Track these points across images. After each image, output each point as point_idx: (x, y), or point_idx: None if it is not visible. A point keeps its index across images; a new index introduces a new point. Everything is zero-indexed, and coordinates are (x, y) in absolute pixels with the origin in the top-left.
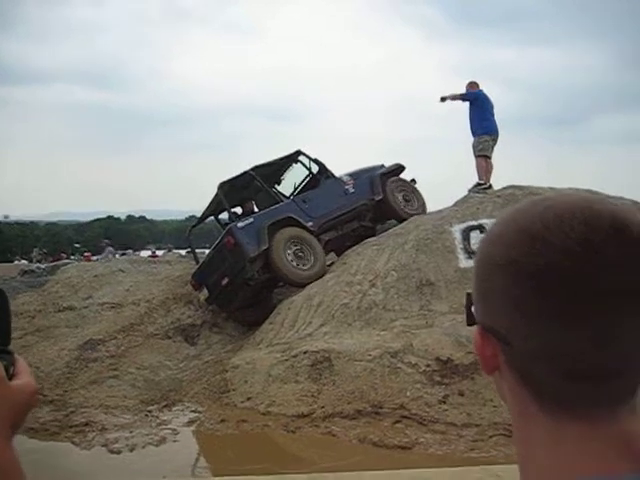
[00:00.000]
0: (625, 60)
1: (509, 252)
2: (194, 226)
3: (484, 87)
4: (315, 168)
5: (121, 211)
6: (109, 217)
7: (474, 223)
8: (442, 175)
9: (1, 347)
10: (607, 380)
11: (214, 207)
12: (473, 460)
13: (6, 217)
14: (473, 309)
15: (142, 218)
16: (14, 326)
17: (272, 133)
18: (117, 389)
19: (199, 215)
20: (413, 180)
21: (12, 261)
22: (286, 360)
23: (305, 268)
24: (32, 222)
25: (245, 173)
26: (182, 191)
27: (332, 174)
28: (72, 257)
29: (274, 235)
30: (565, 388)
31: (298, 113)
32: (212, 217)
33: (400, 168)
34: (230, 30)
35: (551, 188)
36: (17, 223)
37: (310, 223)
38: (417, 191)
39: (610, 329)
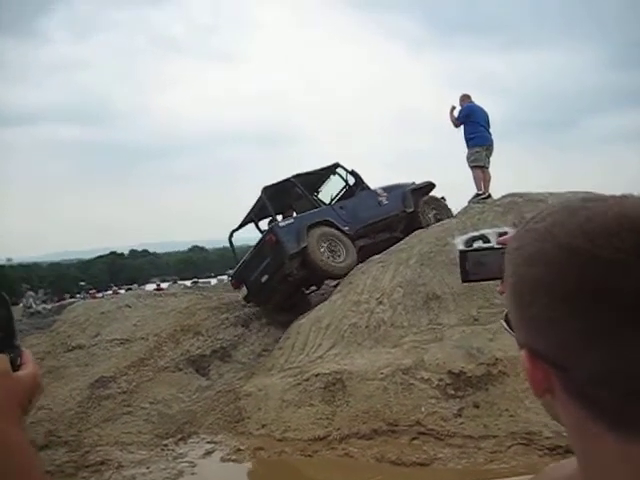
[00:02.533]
0: (612, 60)
1: (554, 273)
2: (236, 229)
3: (475, 95)
4: (351, 180)
5: (123, 246)
6: (112, 253)
7: (476, 234)
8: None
9: (8, 341)
10: None
11: (256, 212)
12: (494, 472)
13: (9, 260)
14: (513, 332)
15: (145, 252)
16: None
17: (266, 158)
18: (131, 425)
19: (201, 245)
20: (443, 198)
21: (17, 304)
22: (298, 384)
23: (338, 261)
24: (35, 263)
25: (287, 180)
26: (182, 222)
27: (367, 186)
28: (78, 295)
29: (310, 233)
30: (629, 409)
31: (291, 136)
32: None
33: (430, 185)
34: (215, 58)
35: (550, 193)
36: (21, 265)
37: (346, 228)
38: (447, 208)
39: None
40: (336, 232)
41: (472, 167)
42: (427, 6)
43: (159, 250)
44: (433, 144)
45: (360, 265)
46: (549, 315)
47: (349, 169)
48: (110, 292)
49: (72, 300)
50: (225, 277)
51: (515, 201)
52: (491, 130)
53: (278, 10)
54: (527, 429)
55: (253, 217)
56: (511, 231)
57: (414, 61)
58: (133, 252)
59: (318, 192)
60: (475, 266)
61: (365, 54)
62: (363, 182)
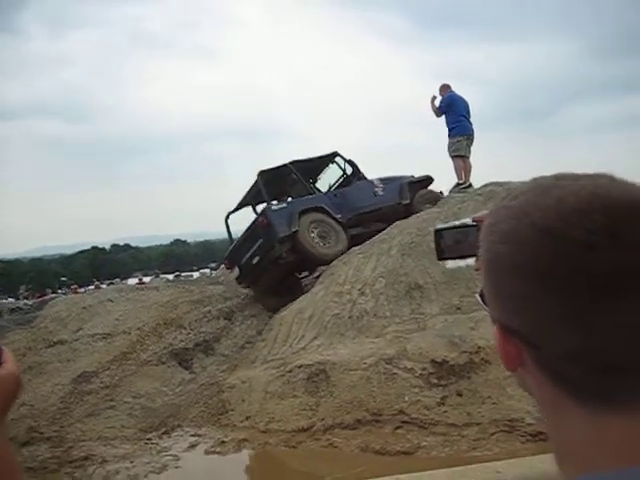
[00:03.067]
0: (591, 51)
1: (528, 252)
2: (232, 212)
3: (459, 87)
4: (349, 170)
5: (105, 241)
6: (94, 248)
7: (457, 222)
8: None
9: None
10: None
11: (252, 196)
12: (476, 459)
13: None
14: (487, 307)
15: (127, 246)
16: None
17: (249, 153)
18: (114, 420)
19: (183, 238)
20: (441, 192)
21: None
22: (282, 376)
23: (328, 247)
24: (17, 259)
25: (284, 166)
26: (164, 215)
27: (364, 176)
28: (59, 291)
29: (302, 218)
30: (602, 383)
31: (275, 131)
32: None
33: (429, 179)
34: (198, 54)
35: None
36: (1, 261)
37: (339, 215)
38: None
39: None
40: (328, 219)
41: (453, 157)
42: (409, 1)
43: (141, 244)
44: (418, 136)
45: (342, 256)
46: (523, 293)
47: (347, 158)
48: (92, 287)
49: (54, 295)
50: (207, 270)
51: (495, 190)
52: (472, 120)
53: (259, 6)
54: (509, 416)
55: (250, 200)
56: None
57: (398, 55)
58: (115, 246)
59: (316, 180)
60: (451, 244)
61: (348, 49)
62: (360, 172)
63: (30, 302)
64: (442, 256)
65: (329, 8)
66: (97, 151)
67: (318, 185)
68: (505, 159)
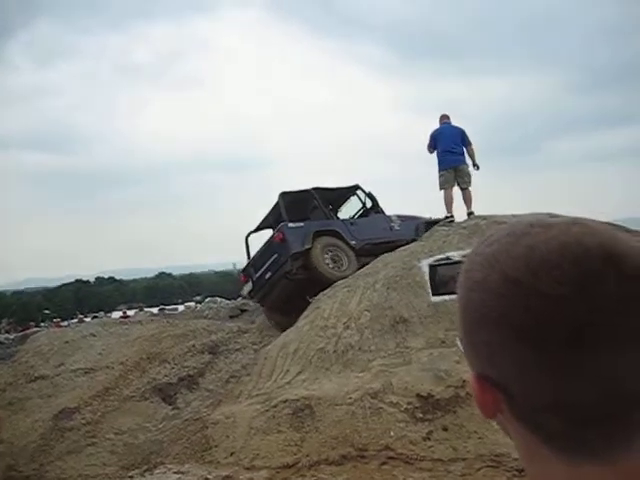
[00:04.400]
0: (574, 85)
1: (497, 304)
2: (253, 232)
3: (437, 118)
4: (369, 203)
5: (90, 273)
6: (77, 281)
7: (441, 256)
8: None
9: None
10: (619, 422)
11: (273, 218)
12: None
13: None
14: (464, 354)
15: (111, 279)
16: None
17: (231, 184)
18: (96, 457)
19: (168, 271)
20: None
21: None
22: (267, 411)
23: (338, 270)
24: None
25: (306, 190)
26: (148, 248)
27: (382, 210)
28: (42, 324)
29: (317, 239)
30: (577, 434)
31: (257, 162)
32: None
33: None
34: (179, 84)
35: (514, 216)
36: None
37: (353, 242)
38: None
39: (617, 374)
40: (341, 244)
41: (441, 190)
42: (391, 33)
43: (125, 277)
44: (400, 169)
45: (326, 290)
46: (495, 343)
47: (367, 191)
48: (76, 320)
49: (36, 329)
50: (192, 303)
51: (479, 224)
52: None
53: (243, 36)
54: (495, 451)
55: (271, 222)
56: None
57: (380, 86)
58: (99, 279)
59: (337, 211)
60: (444, 280)
61: (331, 80)
62: (379, 205)
63: (12, 336)
64: (437, 292)
65: (312, 38)
66: (81, 182)
67: (339, 215)
68: (490, 192)
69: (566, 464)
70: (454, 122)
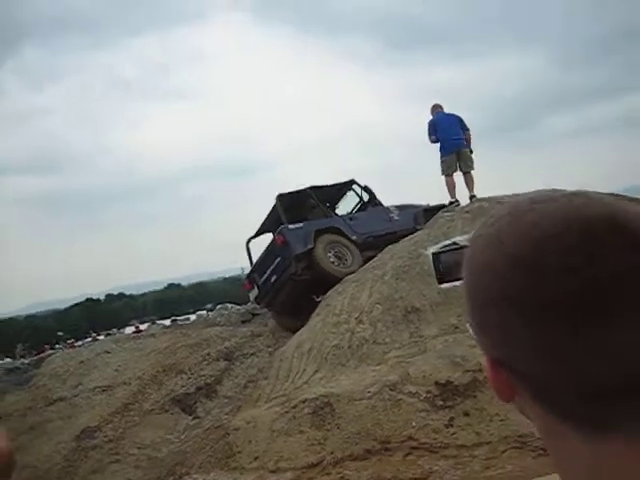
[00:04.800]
0: (560, 60)
1: (504, 285)
2: (252, 237)
3: (425, 106)
4: (365, 197)
5: (99, 291)
6: (88, 299)
7: (447, 242)
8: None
9: None
10: (636, 395)
11: (272, 221)
12: (491, 479)
13: None
14: (475, 339)
15: (121, 294)
16: (5, 427)
17: (231, 190)
18: (121, 474)
19: (177, 282)
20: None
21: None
22: (287, 412)
23: (343, 266)
24: (11, 318)
25: (302, 190)
26: (155, 261)
27: (380, 202)
28: (57, 346)
29: (318, 238)
30: (592, 409)
31: (254, 166)
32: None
33: (443, 207)
34: (171, 96)
35: (516, 195)
36: None
37: (354, 237)
38: None
39: (630, 346)
40: (343, 240)
41: (444, 175)
42: (377, 26)
43: (135, 291)
44: (396, 159)
45: (336, 286)
46: (503, 324)
47: (363, 185)
48: (89, 339)
49: (51, 352)
50: (204, 312)
51: (482, 206)
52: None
53: (228, 43)
54: (519, 432)
55: (270, 226)
56: None
57: (367, 78)
58: (109, 296)
59: (334, 207)
60: (449, 267)
61: (322, 77)
62: (376, 198)
63: (27, 360)
64: (442, 280)
65: (298, 37)
66: (80, 201)
67: (337, 212)
68: (490, 173)
69: (584, 441)
70: (450, 106)
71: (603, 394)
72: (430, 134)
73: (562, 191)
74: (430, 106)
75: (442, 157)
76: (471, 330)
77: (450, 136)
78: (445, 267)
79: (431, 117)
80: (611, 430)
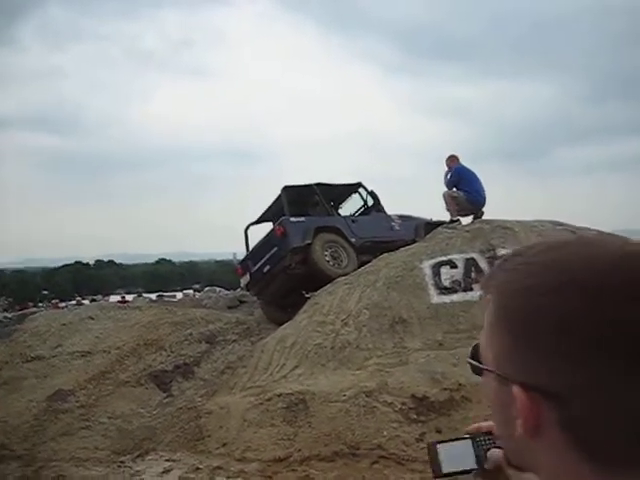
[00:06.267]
0: (579, 93)
1: (560, 306)
2: (252, 224)
3: (449, 124)
4: (370, 201)
5: (90, 256)
6: (77, 262)
7: (444, 259)
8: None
9: None
10: None
11: (275, 211)
12: None
13: None
14: (493, 362)
15: (111, 262)
16: None
17: (234, 174)
18: (89, 440)
19: (168, 258)
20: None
21: None
22: (260, 404)
23: (337, 267)
24: None
25: (308, 186)
26: (151, 234)
27: (383, 209)
28: (40, 304)
29: (318, 235)
30: (625, 449)
31: (261, 154)
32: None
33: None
34: (188, 72)
35: (518, 221)
36: None
37: (353, 239)
38: None
39: None
40: (342, 240)
41: (448, 193)
42: (402, 32)
43: (125, 261)
44: (402, 169)
45: (327, 286)
46: (555, 349)
47: (369, 190)
48: (74, 302)
49: (34, 309)
50: (191, 291)
51: (482, 228)
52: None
53: (250, 28)
54: None
55: (271, 216)
56: (478, 257)
57: (388, 85)
58: (99, 262)
59: (338, 207)
60: (447, 458)
61: (340, 75)
62: (380, 204)
63: (10, 315)
64: (440, 473)
65: (322, 32)
66: (85, 165)
67: (340, 212)
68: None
69: None
70: (464, 123)
71: None
72: (451, 182)
73: (567, 225)
74: (446, 156)
75: (469, 203)
76: (473, 362)
77: (479, 192)
78: (443, 459)
79: (446, 168)
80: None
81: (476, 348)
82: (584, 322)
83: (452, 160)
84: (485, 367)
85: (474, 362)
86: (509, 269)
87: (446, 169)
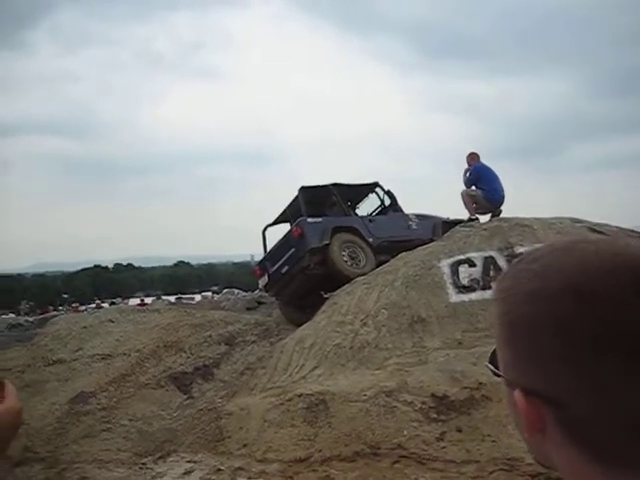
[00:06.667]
0: (591, 89)
1: (555, 311)
2: (270, 225)
3: (462, 121)
4: (387, 201)
5: (109, 259)
6: (96, 266)
7: (462, 257)
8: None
9: None
10: None
11: (292, 212)
12: None
13: None
14: (502, 367)
15: (130, 266)
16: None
17: (247, 176)
18: (110, 442)
19: (187, 260)
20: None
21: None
22: (281, 404)
23: (355, 267)
24: (19, 274)
25: (325, 186)
26: (168, 237)
27: (401, 208)
28: (60, 308)
29: (335, 235)
30: (628, 448)
31: (273, 156)
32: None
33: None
34: (199, 75)
35: (536, 219)
36: (3, 276)
37: (370, 239)
38: None
39: None
40: (359, 240)
41: (466, 191)
42: (416, 31)
43: (144, 264)
44: (417, 168)
45: (345, 286)
46: (550, 353)
47: (386, 189)
48: (94, 306)
49: (55, 313)
50: (209, 293)
51: (501, 225)
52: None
53: (264, 28)
54: (509, 455)
55: (289, 217)
56: (496, 255)
57: (402, 84)
58: (118, 266)
59: (355, 207)
60: None
61: (353, 76)
62: (397, 204)
63: (31, 319)
64: (497, 375)
65: (335, 31)
66: (102, 169)
67: (357, 212)
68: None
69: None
70: (474, 120)
71: None
72: (470, 180)
73: (598, 237)
74: (466, 154)
75: (487, 201)
76: (492, 367)
77: (498, 191)
78: None
79: (467, 165)
80: None
81: (494, 353)
82: (580, 325)
83: (472, 158)
84: (496, 372)
85: (491, 367)
86: (510, 276)
87: (466, 167)
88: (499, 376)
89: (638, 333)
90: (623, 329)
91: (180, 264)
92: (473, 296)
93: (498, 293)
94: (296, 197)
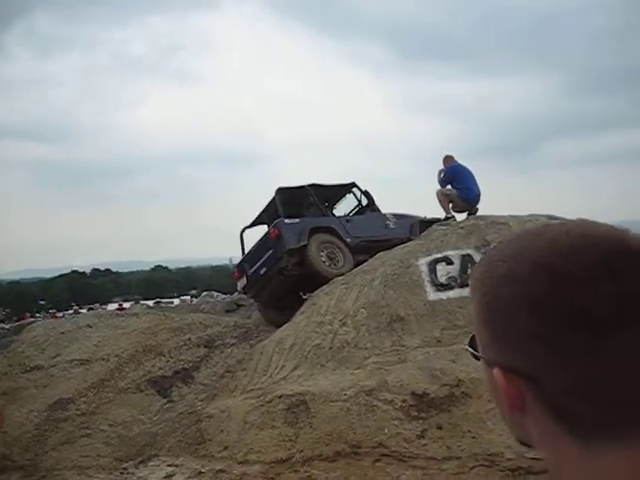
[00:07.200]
0: (569, 88)
1: (529, 290)
2: (247, 227)
3: (441, 121)
4: (364, 201)
5: (85, 265)
6: (73, 272)
7: (440, 255)
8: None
9: None
10: None
11: (269, 213)
12: None
13: None
14: (481, 349)
15: (107, 271)
16: None
17: (226, 178)
18: (90, 448)
19: (165, 265)
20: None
21: None
22: (261, 406)
23: (333, 267)
24: None
25: (302, 187)
26: (146, 241)
27: (378, 208)
28: (37, 315)
29: (313, 236)
30: (604, 417)
31: (253, 157)
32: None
33: (439, 220)
34: (178, 78)
35: (512, 216)
36: None
37: (348, 239)
38: None
39: None
40: (337, 241)
41: (440, 190)
42: (393, 32)
43: (122, 269)
44: (396, 168)
45: (324, 286)
46: (525, 331)
47: (363, 189)
48: (71, 311)
49: (32, 320)
50: (188, 297)
51: (477, 224)
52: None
53: (238, 33)
54: (489, 450)
55: (266, 219)
56: (473, 253)
57: (380, 85)
58: (95, 271)
59: (332, 208)
60: None
61: (330, 79)
62: (374, 204)
63: (7, 326)
64: (478, 358)
65: (311, 33)
66: (78, 173)
67: (335, 213)
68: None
69: (588, 453)
70: (454, 120)
71: (621, 401)
72: (444, 180)
73: (568, 220)
74: (443, 157)
75: (461, 200)
76: (472, 350)
77: (472, 189)
78: None
79: (443, 167)
80: (619, 439)
81: (473, 337)
82: (554, 304)
83: (447, 160)
84: (476, 353)
85: (470, 349)
86: (485, 262)
87: (441, 167)
88: (478, 358)
89: (609, 310)
90: (595, 306)
91: (158, 268)
92: (451, 294)
93: (474, 280)
94: (273, 198)
